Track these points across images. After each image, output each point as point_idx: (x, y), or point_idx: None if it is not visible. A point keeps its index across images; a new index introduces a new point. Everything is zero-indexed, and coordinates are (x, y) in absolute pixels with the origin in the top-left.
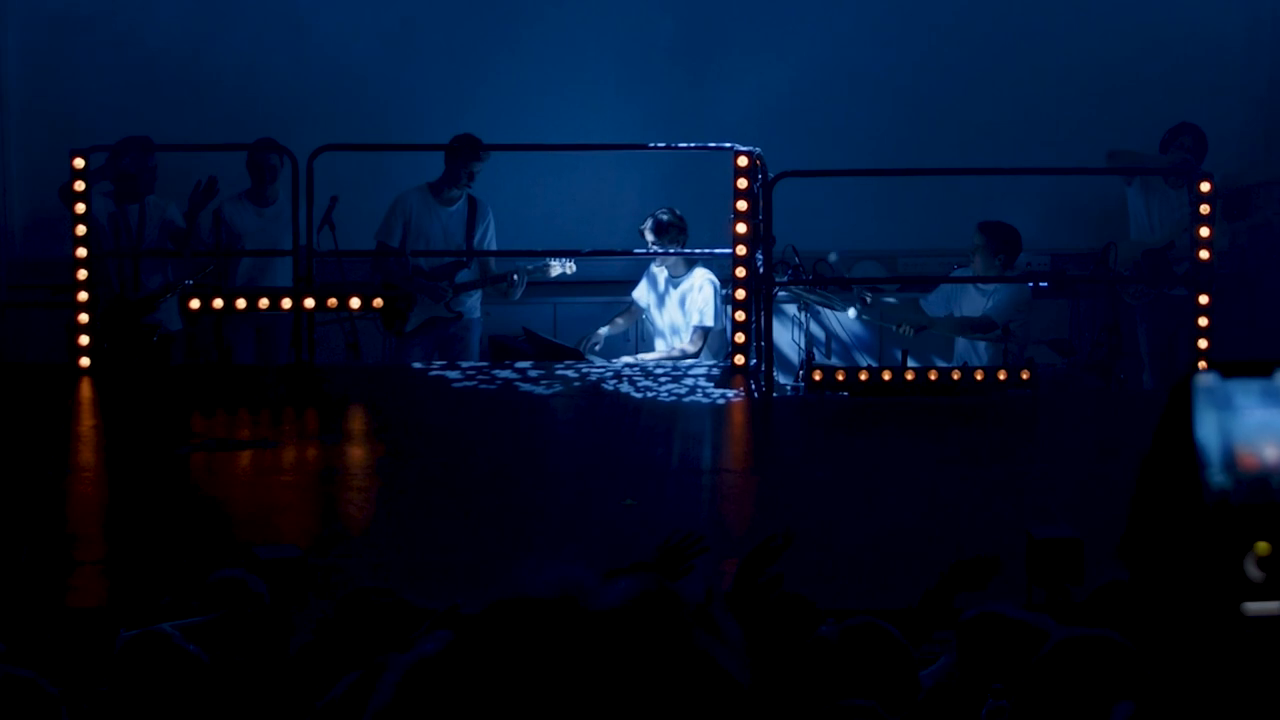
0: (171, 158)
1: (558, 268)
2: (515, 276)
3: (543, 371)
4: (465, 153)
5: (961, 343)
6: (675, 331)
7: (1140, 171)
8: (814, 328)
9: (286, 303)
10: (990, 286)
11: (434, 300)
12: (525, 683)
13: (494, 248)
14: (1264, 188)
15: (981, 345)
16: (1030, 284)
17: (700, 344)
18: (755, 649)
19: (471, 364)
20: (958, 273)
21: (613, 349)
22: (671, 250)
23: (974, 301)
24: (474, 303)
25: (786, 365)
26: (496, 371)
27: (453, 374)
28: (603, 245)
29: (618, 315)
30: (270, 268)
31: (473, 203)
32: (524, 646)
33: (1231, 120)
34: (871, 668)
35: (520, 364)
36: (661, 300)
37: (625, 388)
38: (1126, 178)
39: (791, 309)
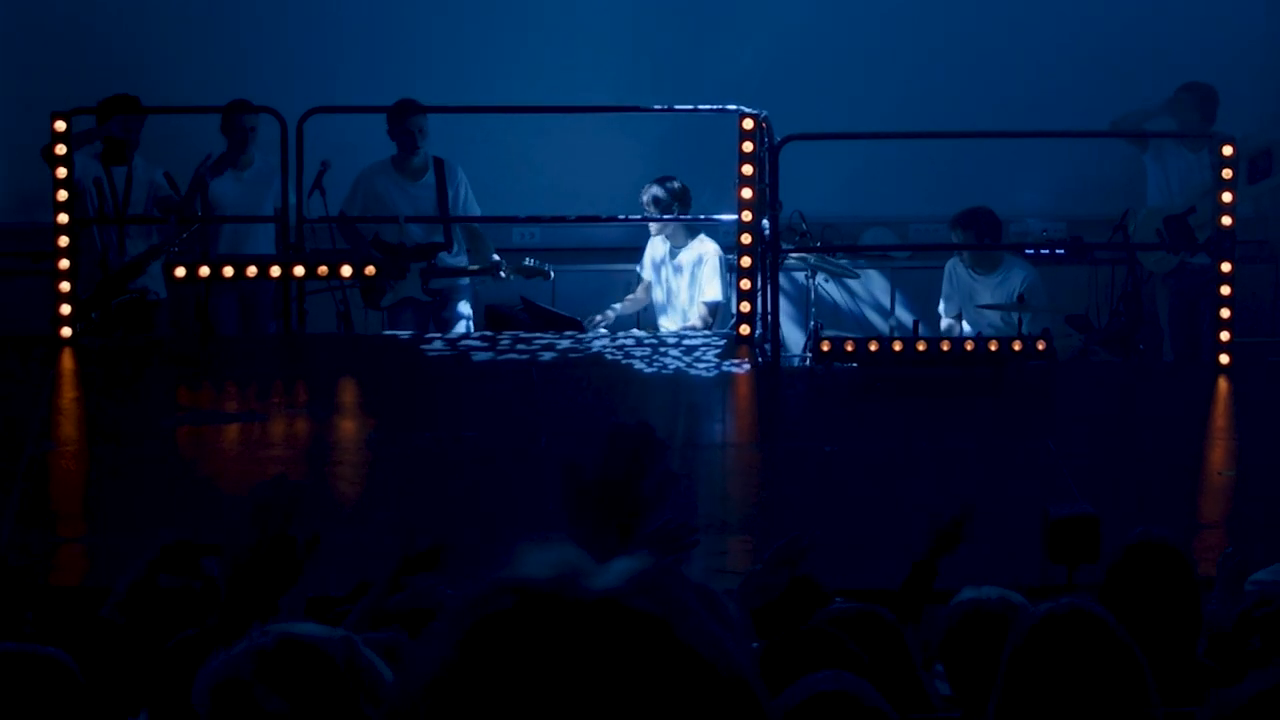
0: (154, 120)
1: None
2: (504, 274)
3: (542, 342)
4: (401, 114)
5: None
6: (680, 308)
7: (1153, 135)
8: (822, 296)
9: (275, 270)
10: (999, 276)
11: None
12: (518, 672)
13: (474, 207)
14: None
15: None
16: (1029, 251)
17: (711, 320)
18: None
19: (467, 334)
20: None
21: (623, 327)
22: (671, 218)
23: (989, 295)
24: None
25: (793, 336)
26: (493, 342)
27: (447, 345)
28: (602, 211)
29: (630, 293)
30: (251, 234)
31: (439, 168)
32: (520, 632)
33: (1250, 80)
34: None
35: (518, 334)
36: (664, 275)
37: (627, 359)
38: (1141, 144)
39: (799, 277)
